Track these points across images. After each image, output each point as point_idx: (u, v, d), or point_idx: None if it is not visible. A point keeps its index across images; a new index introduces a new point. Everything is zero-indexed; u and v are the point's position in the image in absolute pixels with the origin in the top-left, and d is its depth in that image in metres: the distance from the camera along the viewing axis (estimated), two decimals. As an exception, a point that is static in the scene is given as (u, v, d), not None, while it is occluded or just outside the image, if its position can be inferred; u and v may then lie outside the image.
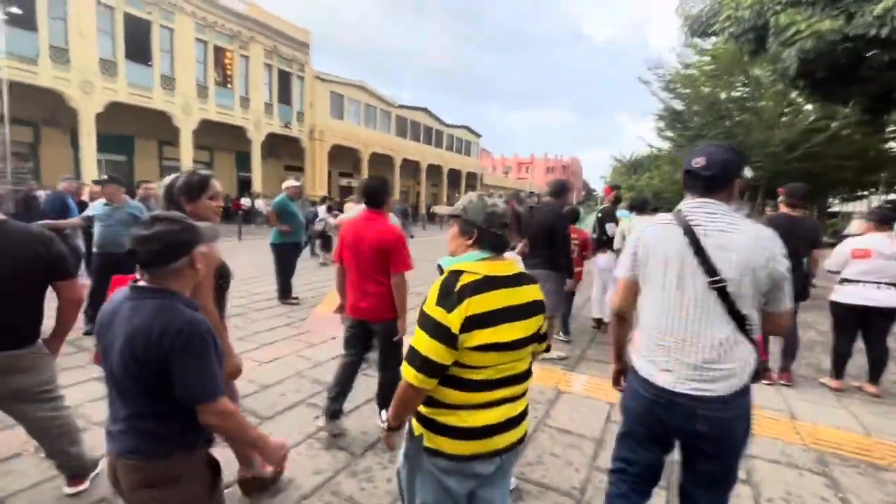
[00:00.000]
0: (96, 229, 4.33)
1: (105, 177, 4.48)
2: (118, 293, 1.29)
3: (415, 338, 1.24)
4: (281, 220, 6.14)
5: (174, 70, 18.58)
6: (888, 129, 19.12)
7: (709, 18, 7.47)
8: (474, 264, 1.27)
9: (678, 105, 22.70)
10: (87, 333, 4.35)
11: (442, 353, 1.20)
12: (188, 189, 1.84)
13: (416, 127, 35.35)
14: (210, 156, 22.62)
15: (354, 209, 4.62)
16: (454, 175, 40.82)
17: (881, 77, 6.79)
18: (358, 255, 2.61)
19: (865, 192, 26.37)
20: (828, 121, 19.09)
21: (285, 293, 6.30)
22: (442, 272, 1.31)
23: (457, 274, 1.25)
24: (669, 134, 25.23)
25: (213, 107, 20.21)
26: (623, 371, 1.79)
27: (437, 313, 1.20)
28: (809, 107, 20.45)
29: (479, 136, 45.43)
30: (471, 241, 1.32)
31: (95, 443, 2.32)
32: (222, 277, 1.93)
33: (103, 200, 4.40)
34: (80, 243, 5.97)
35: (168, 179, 1.91)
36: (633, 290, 1.64)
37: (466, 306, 1.19)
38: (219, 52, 20.62)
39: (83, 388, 3.27)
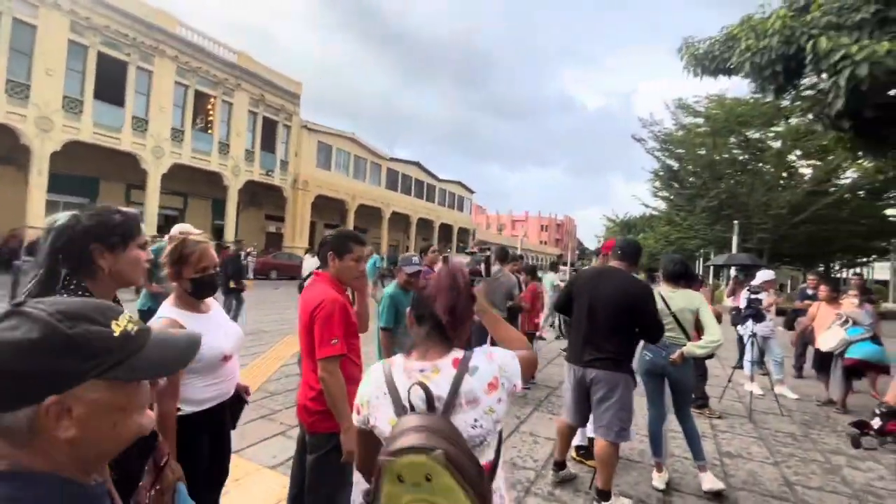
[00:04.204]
0: None
1: None
2: None
3: None
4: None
5: (148, 112, 17.72)
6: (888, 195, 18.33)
7: (722, 53, 6.42)
8: None
9: (674, 164, 22.01)
10: None
11: None
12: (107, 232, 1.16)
13: (408, 180, 34.81)
14: (184, 202, 21.39)
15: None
16: (446, 229, 39.90)
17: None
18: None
19: (867, 259, 25.37)
20: (828, 185, 18.33)
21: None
22: None
23: None
24: (665, 194, 24.46)
25: (187, 151, 19.18)
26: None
27: None
28: (808, 171, 19.79)
29: (472, 192, 45.09)
30: None
31: None
32: None
33: None
34: None
35: (62, 218, 1.15)
36: None
37: None
38: (200, 97, 19.97)
39: None
